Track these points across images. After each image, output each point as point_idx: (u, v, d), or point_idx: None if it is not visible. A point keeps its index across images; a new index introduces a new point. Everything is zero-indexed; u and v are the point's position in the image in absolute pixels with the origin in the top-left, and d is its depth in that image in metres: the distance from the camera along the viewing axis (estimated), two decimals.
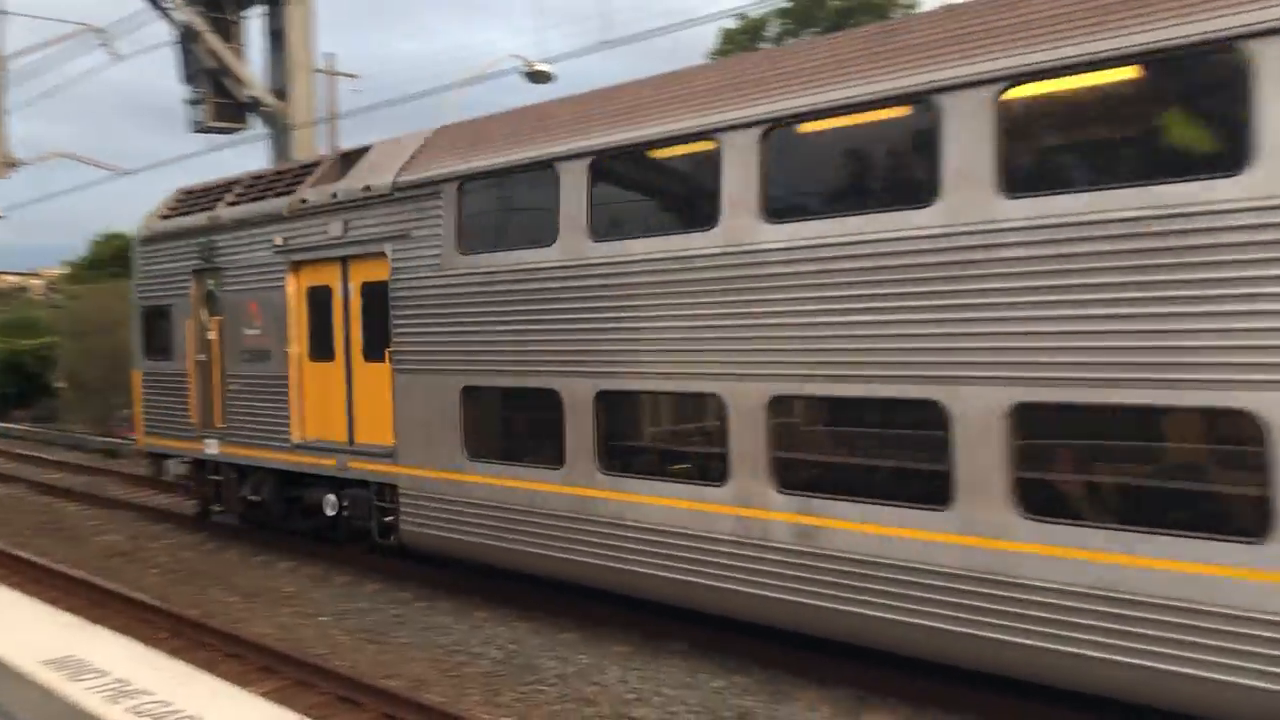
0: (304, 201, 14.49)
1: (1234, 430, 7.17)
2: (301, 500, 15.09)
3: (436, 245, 12.41)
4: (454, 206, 12.22)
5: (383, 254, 13.17)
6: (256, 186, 15.83)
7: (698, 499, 9.88)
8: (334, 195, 13.97)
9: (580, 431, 10.84)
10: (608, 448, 10.68)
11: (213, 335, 16.15)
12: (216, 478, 16.51)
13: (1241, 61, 7.01)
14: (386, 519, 13.37)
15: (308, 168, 15.27)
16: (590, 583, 11.10)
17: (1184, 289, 7.21)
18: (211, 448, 16.29)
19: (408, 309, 12.79)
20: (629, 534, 10.42)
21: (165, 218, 17.47)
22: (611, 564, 10.61)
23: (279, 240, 14.80)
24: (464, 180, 12.15)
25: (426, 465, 12.64)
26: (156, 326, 17.47)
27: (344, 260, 13.94)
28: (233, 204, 16.03)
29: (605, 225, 10.75)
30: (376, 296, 13.49)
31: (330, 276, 14.21)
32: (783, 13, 34.55)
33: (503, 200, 12.20)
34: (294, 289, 14.71)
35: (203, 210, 16.57)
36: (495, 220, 12.34)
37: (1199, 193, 7.16)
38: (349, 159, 14.61)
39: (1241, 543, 7.03)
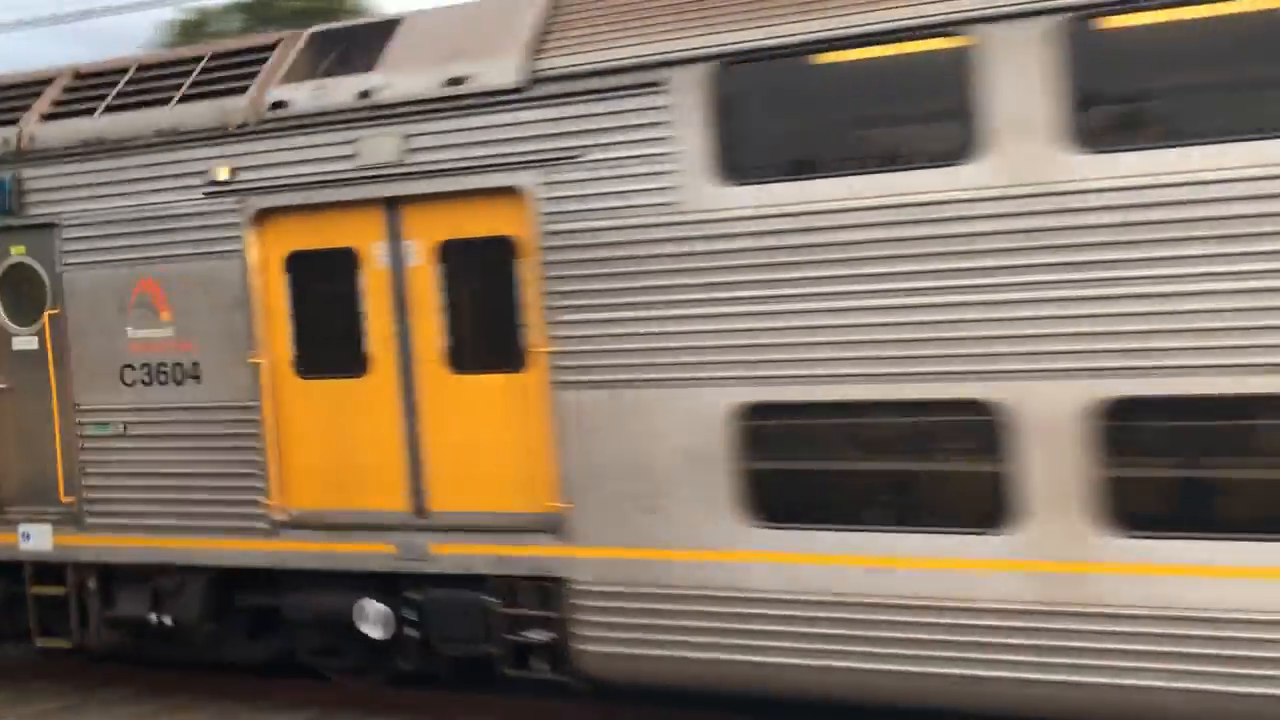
0: (279, 106, 8.44)
1: None
2: (274, 613, 8.94)
3: (661, 171, 7.35)
4: (705, 106, 7.25)
5: (509, 190, 7.76)
6: (120, 84, 9.24)
7: None
8: (363, 94, 8.17)
9: (1057, 468, 6.57)
10: (1130, 490, 6.52)
11: (33, 343, 9.29)
12: (46, 591, 9.53)
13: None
14: (528, 635, 7.96)
15: (244, 55, 9.04)
16: None
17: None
18: (36, 539, 9.37)
19: (592, 281, 7.55)
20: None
21: None
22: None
23: (223, 173, 8.56)
24: (731, 62, 7.22)
25: (645, 542, 7.52)
26: None
27: (391, 204, 8.21)
28: (64, 114, 9.28)
29: (1112, 122, 6.57)
30: (482, 263, 8.02)
31: (355, 233, 8.35)
32: (240, 8, 33.17)
33: (813, 94, 7.41)
34: (261, 256, 8.57)
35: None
36: (795, 127, 7.53)
37: None
38: (349, 40, 8.78)
39: None
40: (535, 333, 7.81)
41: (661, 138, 7.35)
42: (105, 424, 9.05)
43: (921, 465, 7.19)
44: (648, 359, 7.43)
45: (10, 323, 9.44)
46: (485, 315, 8.11)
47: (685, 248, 7.31)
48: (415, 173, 8.02)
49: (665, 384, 7.40)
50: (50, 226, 9.18)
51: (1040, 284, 6.49)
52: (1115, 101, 6.68)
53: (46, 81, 9.70)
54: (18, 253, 9.38)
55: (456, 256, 8.09)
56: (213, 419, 8.66)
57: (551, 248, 7.64)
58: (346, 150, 8.22)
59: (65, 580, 9.38)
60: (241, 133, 8.53)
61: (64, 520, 9.21)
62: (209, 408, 8.67)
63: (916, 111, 7.25)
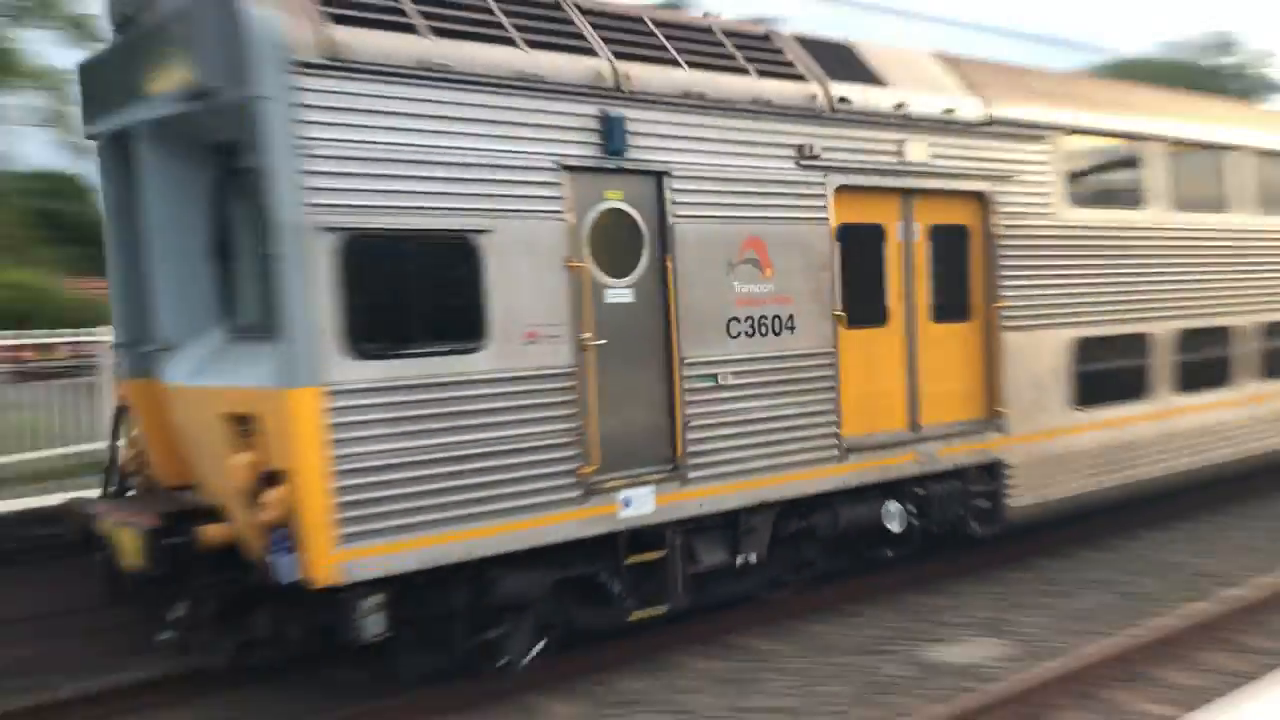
0: (844, 101, 10.09)
1: None
2: (807, 533, 10.10)
3: (1047, 194, 11.78)
4: (1062, 159, 11.96)
5: (973, 195, 11.16)
6: (701, 43, 9.30)
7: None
8: (899, 105, 10.51)
9: (1164, 362, 13.19)
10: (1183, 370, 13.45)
11: (629, 296, 8.67)
12: (640, 558, 8.69)
13: None
14: (980, 504, 11.31)
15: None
16: None
17: None
18: (637, 504, 8.66)
19: (1017, 260, 11.48)
20: None
21: (385, 22, 7.60)
22: None
23: (812, 148, 9.74)
24: (1072, 133, 12.09)
25: (1041, 428, 11.76)
26: (382, 282, 7.53)
27: (904, 194, 10.65)
28: (656, 59, 8.92)
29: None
30: (949, 243, 11.13)
31: (882, 212, 10.50)
32: None
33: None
34: (831, 226, 9.97)
35: (587, 49, 8.44)
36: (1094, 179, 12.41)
37: None
38: (835, 51, 10.57)
39: None
40: (981, 294, 11.35)
41: (1047, 172, 11.82)
42: (710, 376, 9.15)
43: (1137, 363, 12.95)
44: (1039, 312, 11.78)
45: (604, 274, 8.54)
46: (950, 282, 11.19)
47: (1055, 244, 11.92)
48: (926, 172, 10.76)
49: (1046, 327, 11.87)
50: (659, 175, 8.79)
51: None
52: None
53: (632, 18, 8.98)
54: (614, 198, 8.59)
55: (938, 237, 11.02)
56: (802, 365, 9.75)
57: (999, 236, 11.36)
58: (889, 147, 10.43)
59: (662, 543, 8.93)
60: (820, 116, 9.90)
61: (668, 479, 8.89)
62: (799, 355, 9.74)
63: None
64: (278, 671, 8.98)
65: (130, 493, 9.28)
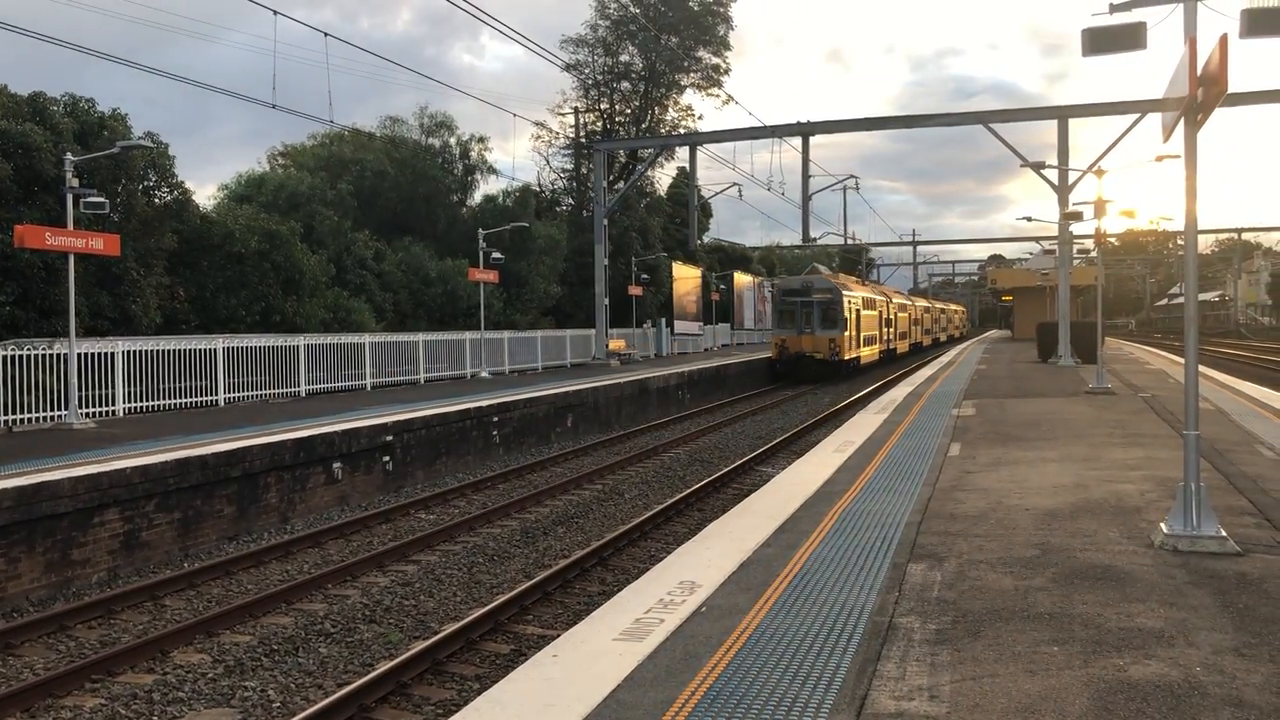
0: (851, 294, 62.21)
1: None
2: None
3: (859, 305, 64.80)
4: (858, 299, 65.06)
5: (853, 306, 63.73)
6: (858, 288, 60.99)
7: None
8: (851, 291, 62.81)
9: None
10: None
11: None
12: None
13: None
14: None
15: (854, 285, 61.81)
16: None
17: None
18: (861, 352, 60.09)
19: (861, 316, 64.05)
20: None
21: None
22: None
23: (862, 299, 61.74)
24: (859, 296, 65.52)
25: (864, 351, 64.59)
26: None
27: (852, 304, 62.83)
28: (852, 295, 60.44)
29: None
30: (863, 310, 63.49)
31: (854, 303, 62.59)
32: None
33: None
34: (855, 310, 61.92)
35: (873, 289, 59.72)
36: (865, 301, 65.46)
37: None
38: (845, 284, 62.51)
39: None
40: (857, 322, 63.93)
41: (858, 300, 64.78)
42: (865, 337, 60.59)
43: (877, 335, 66.09)
44: (863, 327, 64.59)
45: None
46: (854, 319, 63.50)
47: (864, 316, 64.98)
48: (857, 299, 63.04)
49: (863, 331, 64.87)
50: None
51: None
52: None
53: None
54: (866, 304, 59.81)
55: (860, 310, 63.26)
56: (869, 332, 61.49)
57: (857, 311, 64.03)
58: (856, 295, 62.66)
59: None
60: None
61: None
62: (860, 331, 61.44)
63: None
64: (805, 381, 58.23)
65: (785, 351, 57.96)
